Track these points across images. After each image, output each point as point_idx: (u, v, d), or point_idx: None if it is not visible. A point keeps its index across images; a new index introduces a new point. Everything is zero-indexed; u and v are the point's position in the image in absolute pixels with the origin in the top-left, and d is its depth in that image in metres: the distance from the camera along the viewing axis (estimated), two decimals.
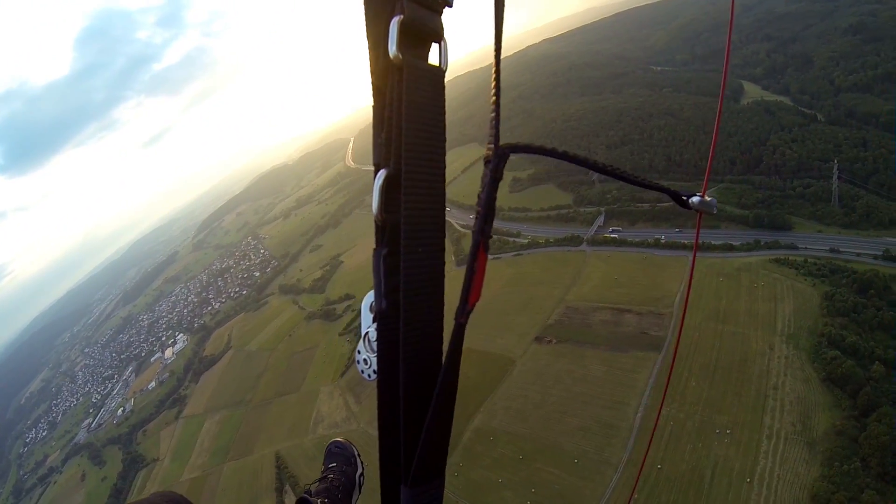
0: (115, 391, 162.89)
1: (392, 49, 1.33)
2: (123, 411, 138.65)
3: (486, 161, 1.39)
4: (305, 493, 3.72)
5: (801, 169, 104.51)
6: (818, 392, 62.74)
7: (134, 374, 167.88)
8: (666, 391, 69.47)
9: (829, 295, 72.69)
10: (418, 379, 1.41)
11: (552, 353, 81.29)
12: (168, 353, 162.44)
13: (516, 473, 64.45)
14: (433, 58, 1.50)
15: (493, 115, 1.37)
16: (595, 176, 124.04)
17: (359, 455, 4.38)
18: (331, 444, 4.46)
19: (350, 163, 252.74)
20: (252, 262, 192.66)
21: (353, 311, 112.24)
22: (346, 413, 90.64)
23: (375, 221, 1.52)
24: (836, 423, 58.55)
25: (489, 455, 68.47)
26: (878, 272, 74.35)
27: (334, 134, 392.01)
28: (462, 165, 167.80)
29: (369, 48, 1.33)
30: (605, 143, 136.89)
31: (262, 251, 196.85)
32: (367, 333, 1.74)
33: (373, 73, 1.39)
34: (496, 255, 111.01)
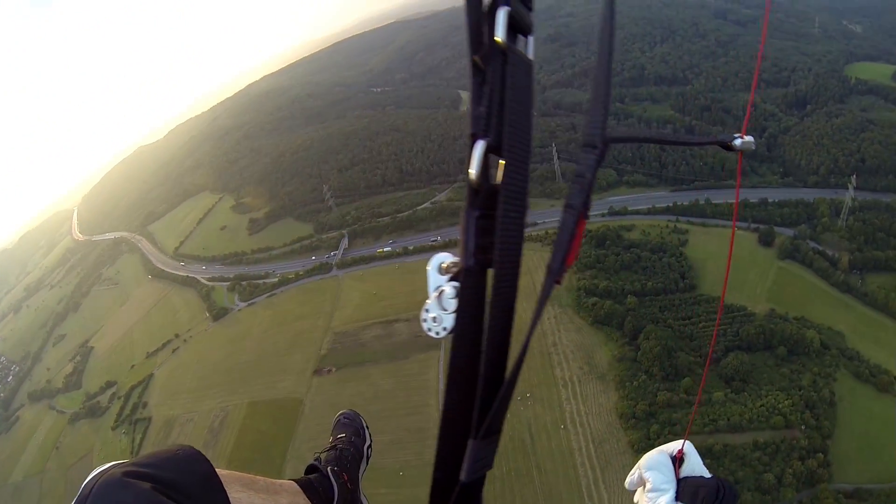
0: None
1: (500, 35, 1.40)
2: None
3: (587, 146, 1.56)
4: (315, 459, 3.92)
5: None
6: (591, 334, 76.22)
7: None
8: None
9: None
10: (501, 333, 1.50)
11: (336, 381, 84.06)
12: None
13: None
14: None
15: (600, 100, 1.53)
16: (331, 201, 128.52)
17: (367, 427, 4.60)
18: (340, 414, 4.64)
19: (78, 235, 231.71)
20: None
21: (119, 398, 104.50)
22: None
23: (471, 186, 1.51)
24: (615, 353, 73.25)
25: None
26: (608, 226, 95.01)
27: (52, 207, 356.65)
28: (196, 218, 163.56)
29: (471, 30, 1.44)
30: (336, 167, 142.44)
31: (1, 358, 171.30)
32: (441, 291, 1.70)
33: (476, 52, 1.48)
34: (250, 301, 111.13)
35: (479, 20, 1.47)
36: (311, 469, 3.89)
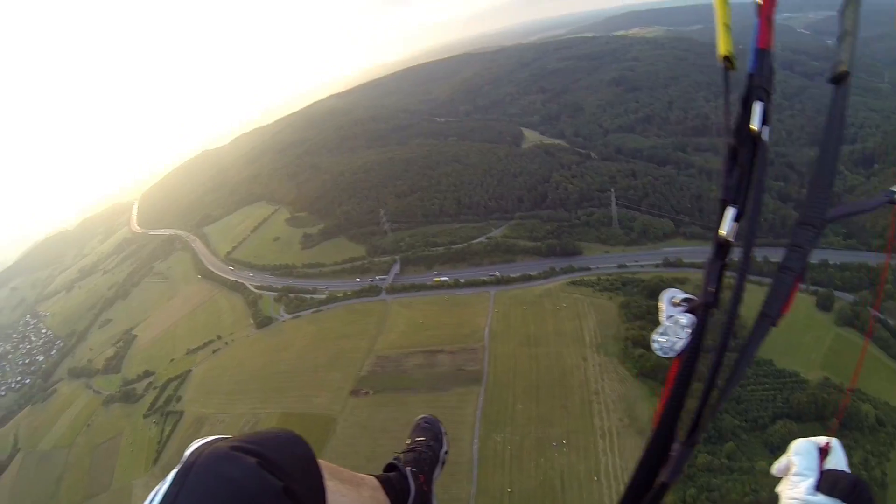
0: None
1: (756, 125, 1.85)
2: None
3: (807, 224, 1.86)
4: (395, 459, 4.06)
5: (583, 200, 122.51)
6: (635, 387, 74.04)
7: None
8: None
9: (625, 304, 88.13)
10: (722, 356, 1.85)
11: (372, 403, 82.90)
12: None
13: None
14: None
15: (823, 184, 1.80)
16: (387, 225, 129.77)
17: (446, 433, 4.75)
18: (420, 418, 4.82)
19: (136, 228, 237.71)
20: (34, 344, 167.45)
21: (155, 388, 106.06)
22: None
23: (719, 242, 1.99)
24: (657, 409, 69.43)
25: None
26: (661, 277, 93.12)
27: (115, 197, 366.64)
28: (251, 226, 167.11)
29: (727, 116, 1.87)
30: (394, 192, 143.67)
31: (44, 331, 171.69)
32: (674, 320, 2.15)
33: (732, 133, 1.91)
34: (296, 314, 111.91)
35: (733, 108, 1.86)
36: (389, 467, 4.02)
